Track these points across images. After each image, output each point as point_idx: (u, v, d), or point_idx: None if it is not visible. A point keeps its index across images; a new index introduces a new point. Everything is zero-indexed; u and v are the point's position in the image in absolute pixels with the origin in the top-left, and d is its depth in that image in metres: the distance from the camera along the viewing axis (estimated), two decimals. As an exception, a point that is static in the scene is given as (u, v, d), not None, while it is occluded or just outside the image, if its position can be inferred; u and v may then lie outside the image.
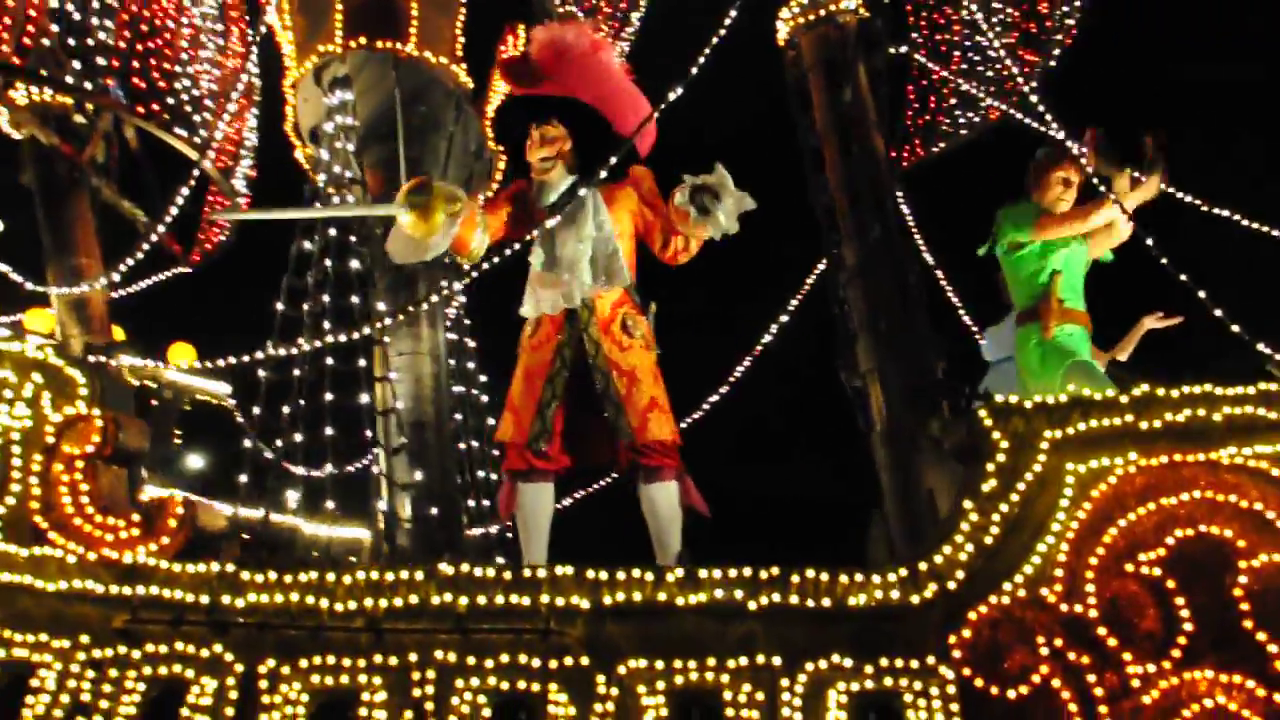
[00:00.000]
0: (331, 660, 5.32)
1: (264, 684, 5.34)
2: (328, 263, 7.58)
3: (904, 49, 8.51)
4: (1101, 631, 5.28)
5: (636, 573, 5.31)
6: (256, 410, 7.49)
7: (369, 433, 7.73)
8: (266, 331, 8.15)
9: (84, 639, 5.59)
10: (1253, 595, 5.43)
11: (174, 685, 5.48)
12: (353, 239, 7.59)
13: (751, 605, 5.23)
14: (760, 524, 6.81)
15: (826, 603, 5.24)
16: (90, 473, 6.01)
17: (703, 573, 5.29)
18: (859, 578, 5.27)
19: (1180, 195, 7.01)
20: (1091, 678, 5.20)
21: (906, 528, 6.80)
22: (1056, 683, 5.18)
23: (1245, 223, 7.04)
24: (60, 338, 7.92)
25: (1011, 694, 5.15)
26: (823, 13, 7.87)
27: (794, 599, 5.25)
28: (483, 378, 8.59)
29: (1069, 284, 6.69)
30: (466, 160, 8.55)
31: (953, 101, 9.27)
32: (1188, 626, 5.35)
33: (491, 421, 8.52)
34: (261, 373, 7.43)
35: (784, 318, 8.97)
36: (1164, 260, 6.23)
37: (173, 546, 5.77)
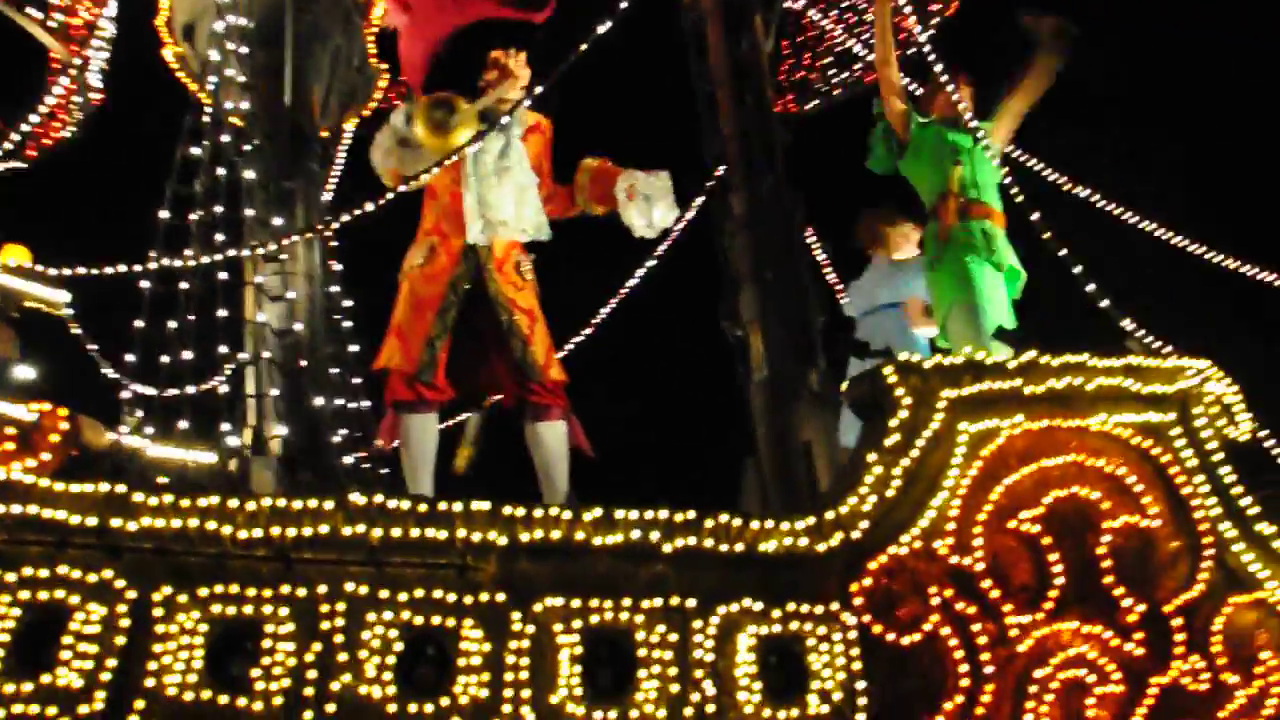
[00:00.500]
0: (235, 589, 5.05)
1: (159, 612, 5.03)
2: (220, 171, 7.12)
3: (799, 3, 8.51)
4: (986, 584, 5.52)
5: (554, 511, 5.24)
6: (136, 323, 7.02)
7: (237, 353, 7.35)
8: (109, 237, 7.65)
9: (-48, 558, 5.12)
10: (1113, 552, 5.76)
11: (54, 611, 5.09)
12: (246, 147, 7.14)
13: (666, 548, 5.24)
14: (633, 470, 6.80)
15: (739, 548, 5.29)
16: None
17: (619, 513, 5.27)
18: (769, 524, 5.34)
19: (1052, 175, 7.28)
20: (976, 627, 5.44)
21: (780, 477, 6.92)
22: (945, 630, 5.39)
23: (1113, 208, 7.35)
24: None
25: (905, 640, 5.34)
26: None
27: (708, 542, 5.27)
28: (347, 303, 8.28)
29: (972, 178, 6.63)
30: (349, 74, 8.16)
31: (827, 60, 9.39)
32: (1059, 581, 5.64)
33: (355, 348, 8.25)
34: (144, 284, 6.96)
35: (651, 262, 8.98)
36: (1046, 235, 6.45)
37: (52, 464, 5.34)
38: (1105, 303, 6.45)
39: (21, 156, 8.62)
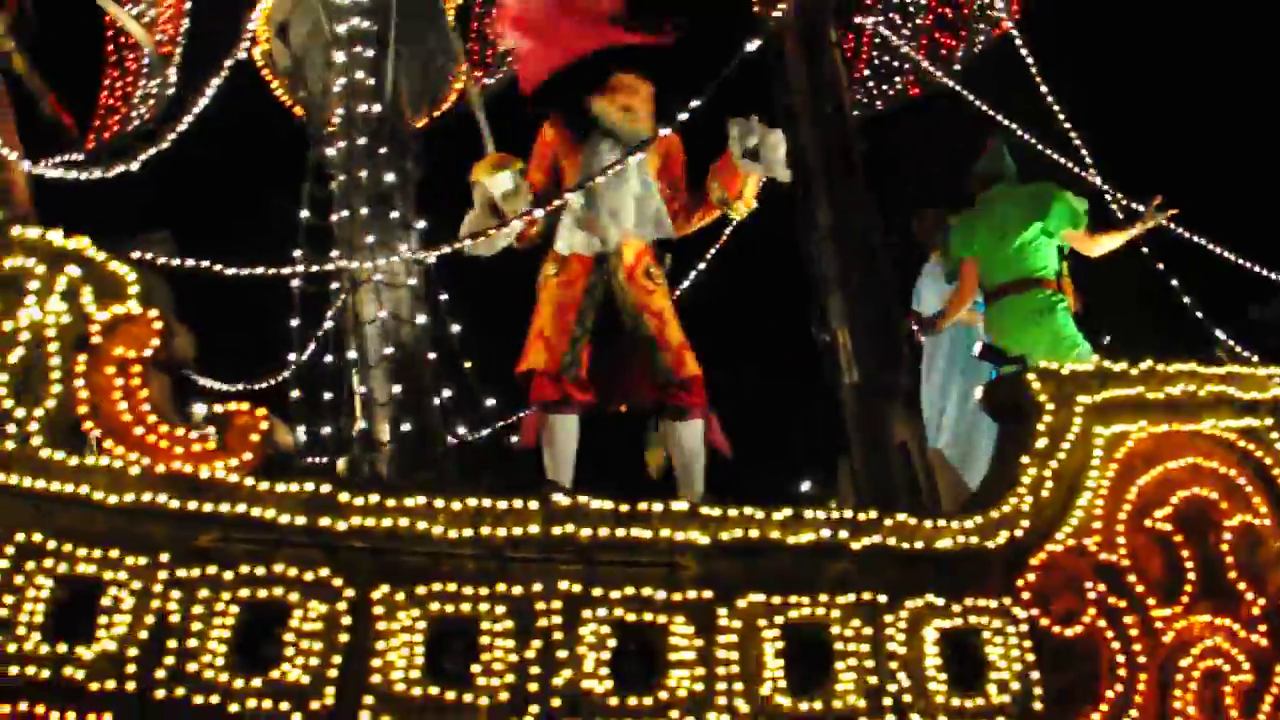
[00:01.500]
0: (452, 588, 5.05)
1: (379, 610, 5.01)
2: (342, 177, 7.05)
3: (870, 20, 8.69)
4: (1131, 579, 5.73)
5: (748, 511, 5.34)
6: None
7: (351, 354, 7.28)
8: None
9: (164, 557, 5.04)
10: (1234, 549, 6.02)
11: (273, 609, 5.04)
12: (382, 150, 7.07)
13: (854, 545, 5.37)
14: (726, 469, 6.92)
15: (919, 545, 5.44)
16: (146, 379, 5.40)
17: (807, 513, 5.38)
18: (942, 523, 5.50)
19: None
20: (1127, 619, 5.64)
21: (874, 477, 7.06)
22: (1102, 623, 5.58)
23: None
24: None
25: (1069, 633, 5.52)
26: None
27: (890, 540, 5.41)
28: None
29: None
30: (433, 73, 8.10)
31: (866, 73, 9.60)
32: (1191, 575, 5.87)
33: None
34: (295, 283, 6.87)
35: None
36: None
37: (252, 463, 5.28)
38: (1199, 314, 6.70)
39: (80, 146, 8.38)
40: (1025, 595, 5.40)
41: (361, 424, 7.22)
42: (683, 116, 6.13)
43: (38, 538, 4.96)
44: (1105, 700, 5.41)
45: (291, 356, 7.54)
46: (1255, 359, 6.66)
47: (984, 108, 7.96)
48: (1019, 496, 5.56)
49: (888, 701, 5.06)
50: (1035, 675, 5.29)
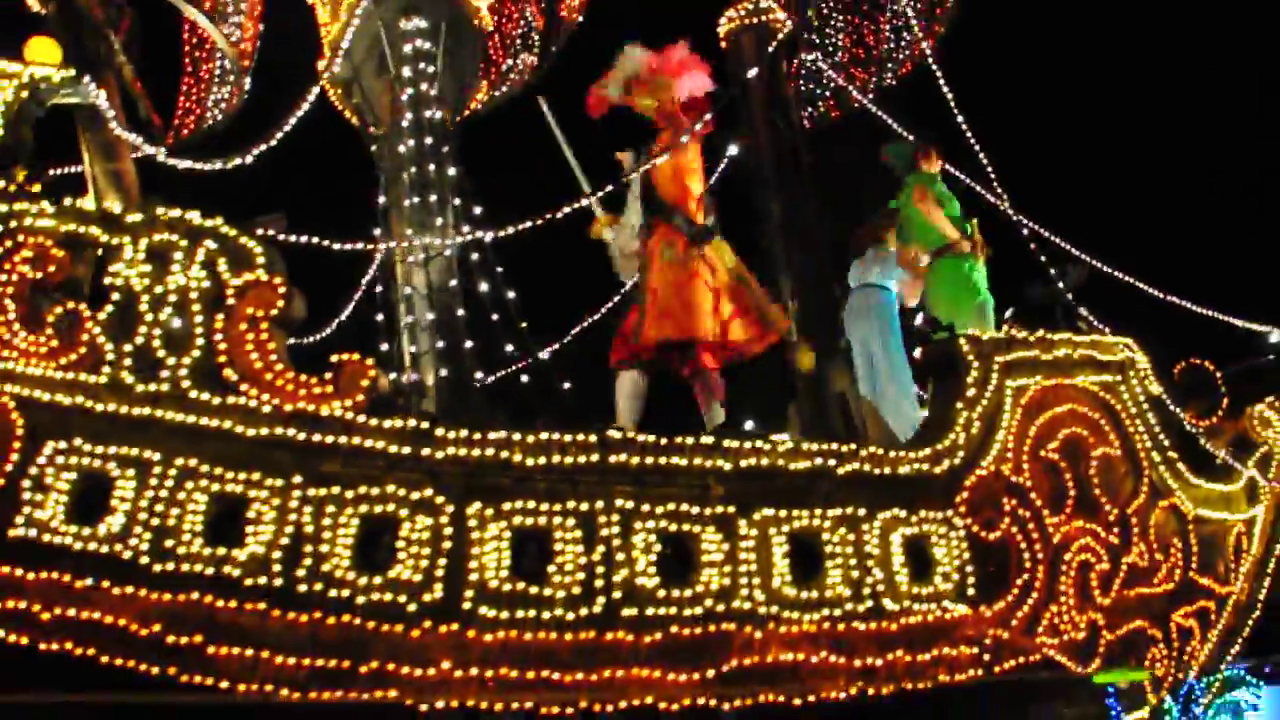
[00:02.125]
0: (531, 504, 5.02)
1: (473, 522, 4.95)
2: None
3: (814, 55, 8.70)
4: (1032, 495, 6.08)
5: (759, 443, 5.40)
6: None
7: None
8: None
9: (296, 479, 4.90)
10: (1098, 472, 6.35)
11: (387, 521, 4.93)
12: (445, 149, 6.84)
13: (840, 470, 5.48)
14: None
15: (887, 470, 5.57)
16: (272, 334, 5.19)
17: (805, 445, 5.48)
18: (903, 453, 5.63)
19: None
20: (1030, 526, 5.99)
21: (818, 418, 7.15)
22: (1014, 529, 5.90)
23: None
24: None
25: (991, 536, 5.77)
26: (759, 19, 7.91)
27: (866, 467, 5.52)
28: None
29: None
30: (468, 77, 7.83)
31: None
32: (1071, 493, 6.25)
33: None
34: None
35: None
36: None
37: (362, 404, 5.13)
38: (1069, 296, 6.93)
39: (161, 140, 7.93)
40: (962, 509, 5.70)
41: (412, 375, 6.97)
42: (684, 138, 6.06)
43: (193, 462, 4.75)
44: (1016, 585, 5.74)
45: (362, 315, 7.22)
46: (1107, 330, 6.86)
47: (897, 127, 7.97)
48: (955, 434, 5.77)
49: (866, 591, 5.36)
50: (969, 568, 5.61)
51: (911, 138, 8.38)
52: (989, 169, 7.56)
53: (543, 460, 5.31)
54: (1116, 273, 8.20)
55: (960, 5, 8.49)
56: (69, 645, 5.04)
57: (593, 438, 5.43)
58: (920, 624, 5.71)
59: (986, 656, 5.82)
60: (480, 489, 5.20)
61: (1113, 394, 6.88)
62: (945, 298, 7.60)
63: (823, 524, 5.60)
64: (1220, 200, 14.89)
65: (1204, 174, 14.87)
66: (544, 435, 5.42)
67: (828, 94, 9.52)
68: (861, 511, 5.68)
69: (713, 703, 5.19)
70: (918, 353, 6.91)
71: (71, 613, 5.07)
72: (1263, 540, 7.67)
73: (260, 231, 5.67)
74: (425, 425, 5.35)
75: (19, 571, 5.12)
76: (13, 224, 5.69)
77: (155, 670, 4.95)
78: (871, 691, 5.43)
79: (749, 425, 7.88)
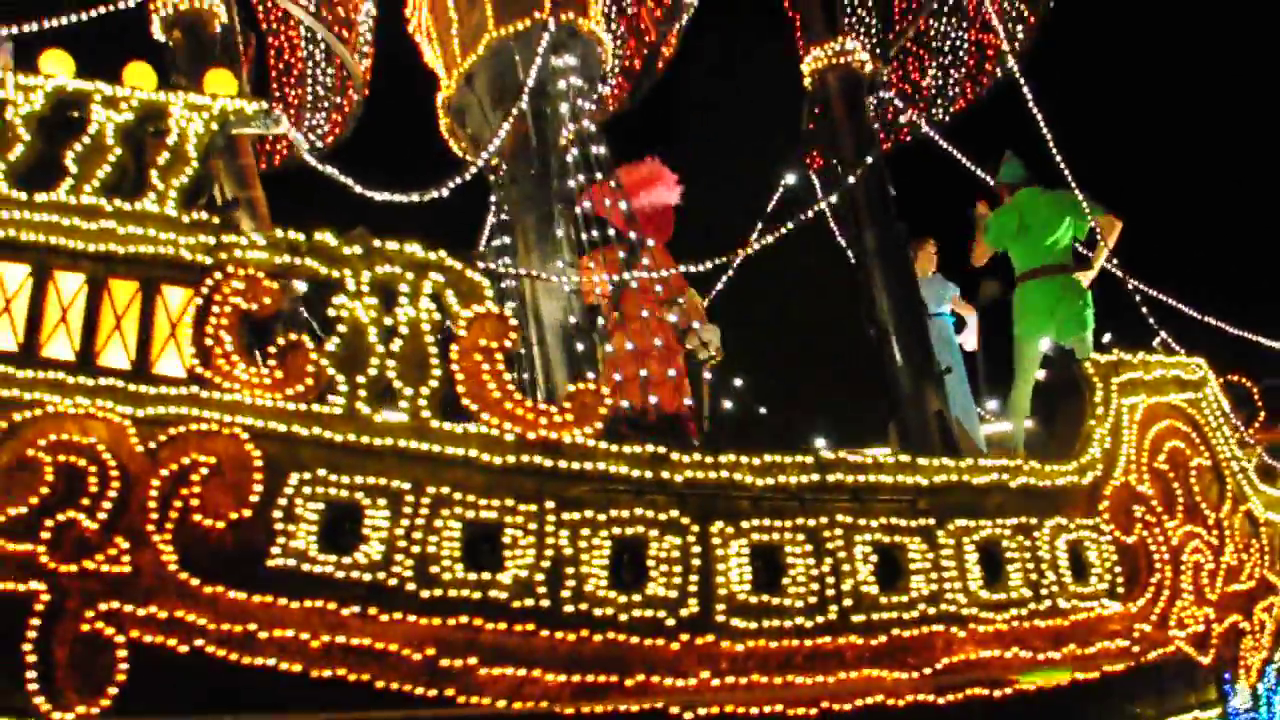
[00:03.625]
0: (765, 522, 5.65)
1: (715, 540, 5.55)
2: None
3: (890, 94, 9.59)
4: (1154, 502, 7.01)
5: (950, 462, 6.18)
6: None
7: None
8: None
9: (549, 504, 5.41)
10: (1197, 480, 7.36)
11: (637, 541, 5.50)
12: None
13: (1013, 484, 6.30)
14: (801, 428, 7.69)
15: (1045, 483, 6.43)
16: (506, 365, 5.69)
17: (984, 462, 6.29)
18: (1059, 467, 6.51)
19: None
20: (1156, 530, 6.88)
21: (919, 433, 8.00)
22: (1144, 533, 6.82)
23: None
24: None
25: (1129, 540, 6.69)
26: (844, 60, 8.78)
27: (1031, 480, 6.37)
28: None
29: None
30: None
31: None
32: (1180, 499, 7.19)
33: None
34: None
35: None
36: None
37: (599, 432, 5.68)
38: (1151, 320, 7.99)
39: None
40: (1105, 515, 6.47)
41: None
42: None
43: (445, 490, 5.18)
44: (1151, 584, 6.55)
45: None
46: (1182, 352, 7.94)
47: (960, 157, 8.95)
48: (1092, 448, 6.63)
49: (1044, 591, 6.08)
50: (1117, 569, 6.35)
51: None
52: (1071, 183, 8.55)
53: (770, 481, 6.01)
54: (1156, 292, 9.41)
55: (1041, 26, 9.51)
56: (341, 671, 5.37)
57: (809, 459, 6.12)
58: (1084, 620, 6.53)
59: (1135, 648, 6.70)
60: (719, 510, 5.70)
61: (1196, 409, 7.93)
62: (1036, 304, 8.56)
63: (1003, 532, 6.31)
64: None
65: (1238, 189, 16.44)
66: (768, 458, 6.05)
67: (899, 125, 10.44)
68: (1033, 520, 6.45)
69: (929, 698, 5.95)
70: (1041, 374, 7.87)
71: (341, 639, 5.40)
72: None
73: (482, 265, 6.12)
74: (662, 450, 5.91)
75: (281, 600, 5.42)
76: (222, 256, 5.99)
77: (433, 693, 5.33)
78: (1051, 684, 6.31)
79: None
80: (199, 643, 5.24)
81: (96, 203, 5.95)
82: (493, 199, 8.26)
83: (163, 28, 7.65)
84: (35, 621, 5.26)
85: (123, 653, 5.25)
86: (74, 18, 6.93)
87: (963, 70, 9.91)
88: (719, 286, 9.55)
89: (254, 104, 6.22)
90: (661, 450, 5.72)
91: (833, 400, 7.89)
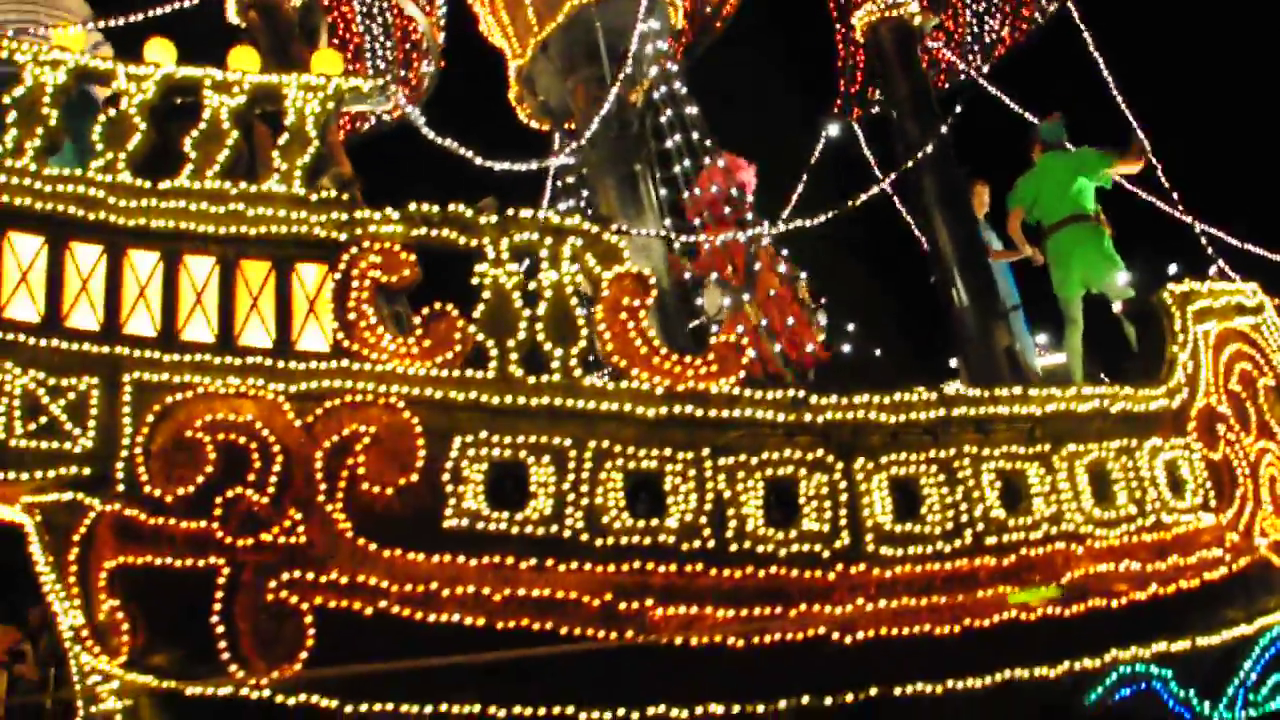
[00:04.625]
0: (902, 455, 6.16)
1: (859, 476, 6.06)
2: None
3: (937, 44, 10.06)
4: (1232, 421, 7.62)
5: (1059, 392, 6.75)
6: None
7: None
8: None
9: (705, 451, 5.86)
10: (1266, 399, 8.00)
11: (788, 481, 5.98)
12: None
13: (1113, 409, 6.87)
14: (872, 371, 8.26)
15: (1139, 408, 7.01)
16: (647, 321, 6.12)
17: (1085, 389, 6.85)
18: (1150, 392, 7.09)
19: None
20: (1236, 446, 7.51)
21: (986, 368, 8.58)
22: (1227, 450, 7.44)
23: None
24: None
25: (1215, 456, 7.29)
26: (897, 12, 9.25)
27: (1129, 405, 6.95)
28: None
29: None
30: None
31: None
32: (1253, 417, 7.81)
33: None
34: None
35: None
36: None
37: (742, 381, 6.12)
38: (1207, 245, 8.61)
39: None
40: (1193, 435, 7.07)
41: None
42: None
43: (605, 444, 5.61)
44: (1234, 497, 7.15)
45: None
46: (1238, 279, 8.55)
47: (1008, 101, 9.44)
48: (1177, 372, 7.22)
49: (1147, 507, 6.66)
50: (1208, 484, 6.96)
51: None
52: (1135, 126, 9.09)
53: (903, 417, 6.40)
54: (1207, 227, 10.05)
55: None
56: (525, 622, 5.79)
57: (933, 395, 6.63)
58: (1185, 533, 7.15)
59: (1227, 557, 7.36)
60: (860, 447, 6.17)
61: (1258, 333, 8.53)
62: (1069, 248, 9.13)
63: (1108, 454, 6.81)
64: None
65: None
66: (899, 396, 6.53)
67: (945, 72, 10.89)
68: (1133, 442, 6.96)
69: (1056, 611, 6.54)
70: (1117, 307, 8.48)
71: (521, 591, 5.82)
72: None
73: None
74: (801, 395, 6.38)
75: (460, 559, 5.82)
76: (357, 231, 6.30)
77: (613, 636, 5.76)
78: (1159, 592, 6.95)
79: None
80: (382, 604, 5.63)
81: (223, 186, 6.24)
82: (555, 163, 8.55)
83: (238, 10, 7.85)
84: (219, 595, 5.63)
85: (309, 618, 5.63)
86: (161, 10, 7.12)
87: (999, 17, 10.42)
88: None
89: (369, 81, 6.53)
90: (800, 394, 6.20)
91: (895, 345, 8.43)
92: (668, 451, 5.89)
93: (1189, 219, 8.95)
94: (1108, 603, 6.55)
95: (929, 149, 8.97)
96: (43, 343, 5.85)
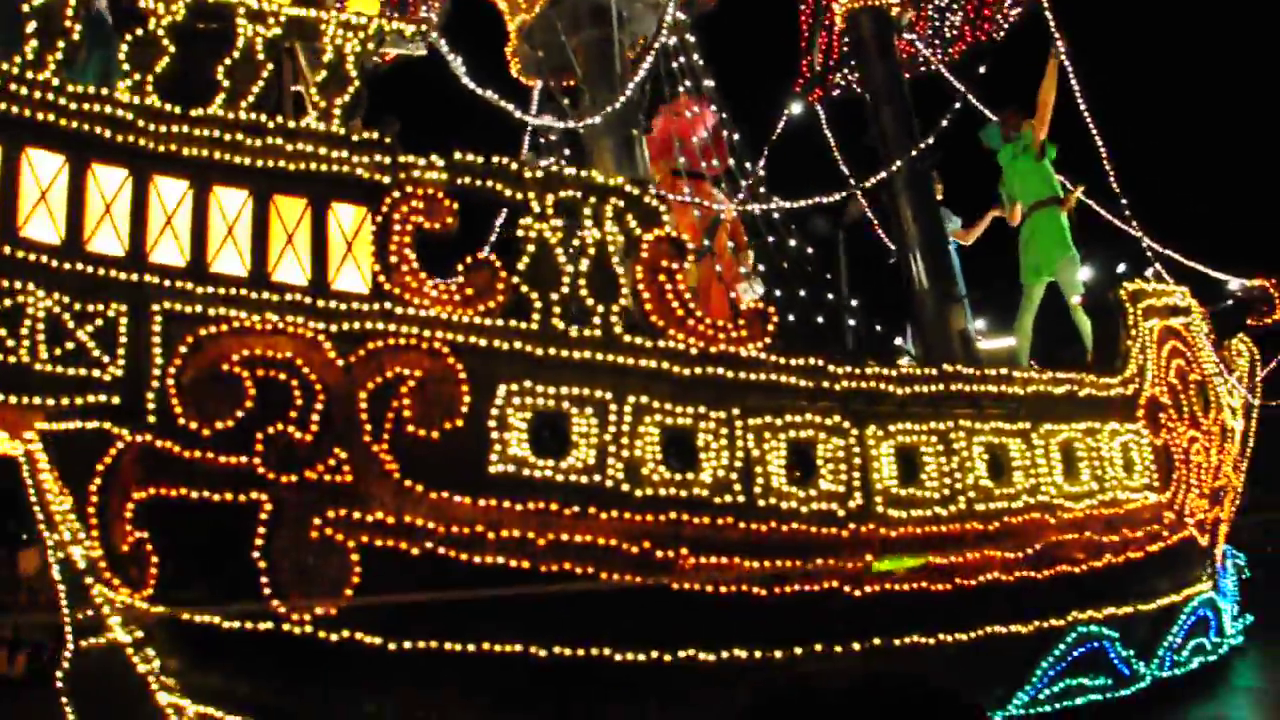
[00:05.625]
0: (907, 425, 6.84)
1: (870, 441, 6.71)
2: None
3: (911, 36, 10.72)
4: (1171, 410, 8.61)
5: (1038, 375, 7.54)
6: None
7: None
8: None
9: (735, 410, 6.40)
10: (1195, 391, 9.05)
11: (808, 443, 6.58)
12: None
13: (1080, 394, 7.74)
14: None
15: (1096, 393, 7.90)
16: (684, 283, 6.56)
17: (1060, 375, 7.67)
18: (1109, 380, 8.00)
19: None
20: (1173, 432, 8.51)
21: (940, 348, 9.40)
22: (1167, 436, 8.42)
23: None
24: None
25: (1159, 441, 8.27)
26: (877, 2, 9.93)
27: (1092, 391, 7.83)
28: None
29: None
30: None
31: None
32: (1185, 408, 8.85)
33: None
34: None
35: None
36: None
37: (769, 345, 6.65)
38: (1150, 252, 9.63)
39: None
40: (1142, 421, 8.00)
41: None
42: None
43: (644, 399, 6.09)
44: (1172, 479, 8.14)
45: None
46: (1169, 283, 9.59)
47: (971, 99, 10.24)
48: (1128, 363, 8.13)
49: (1104, 481, 7.52)
50: (1153, 466, 7.90)
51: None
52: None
53: (910, 390, 7.05)
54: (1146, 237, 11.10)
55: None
56: (566, 565, 6.14)
57: (933, 371, 7.29)
58: (1134, 509, 8.06)
59: (1165, 533, 8.33)
60: (871, 414, 6.73)
61: (1188, 332, 9.62)
62: (1040, 247, 10.04)
63: (1076, 434, 7.62)
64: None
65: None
66: (905, 369, 7.17)
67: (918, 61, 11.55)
68: (1096, 425, 7.83)
69: (1031, 574, 7.35)
70: (1075, 300, 9.36)
71: (565, 537, 6.17)
72: (1243, 443, 11.00)
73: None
74: (821, 362, 6.90)
75: (505, 503, 6.12)
76: (400, 175, 6.46)
77: (648, 582, 6.18)
78: (1111, 561, 7.86)
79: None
80: (429, 545, 5.91)
81: (261, 119, 6.31)
82: (536, 120, 8.66)
83: None
84: (261, 530, 5.80)
85: (355, 556, 5.87)
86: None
87: (961, 15, 11.19)
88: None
89: (410, 25, 6.71)
90: (819, 362, 6.76)
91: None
92: (701, 409, 6.36)
93: (1133, 228, 9.95)
94: (1070, 569, 7.41)
95: (925, 142, 9.63)
96: (65, 266, 5.80)
